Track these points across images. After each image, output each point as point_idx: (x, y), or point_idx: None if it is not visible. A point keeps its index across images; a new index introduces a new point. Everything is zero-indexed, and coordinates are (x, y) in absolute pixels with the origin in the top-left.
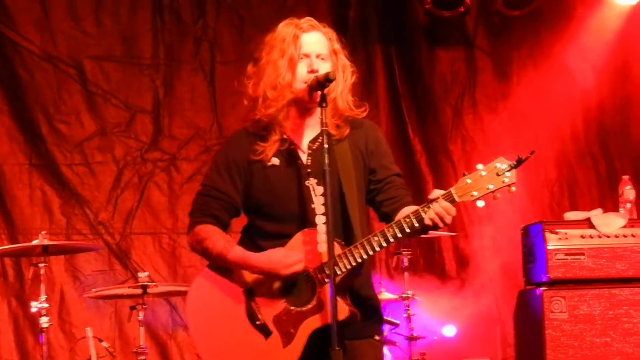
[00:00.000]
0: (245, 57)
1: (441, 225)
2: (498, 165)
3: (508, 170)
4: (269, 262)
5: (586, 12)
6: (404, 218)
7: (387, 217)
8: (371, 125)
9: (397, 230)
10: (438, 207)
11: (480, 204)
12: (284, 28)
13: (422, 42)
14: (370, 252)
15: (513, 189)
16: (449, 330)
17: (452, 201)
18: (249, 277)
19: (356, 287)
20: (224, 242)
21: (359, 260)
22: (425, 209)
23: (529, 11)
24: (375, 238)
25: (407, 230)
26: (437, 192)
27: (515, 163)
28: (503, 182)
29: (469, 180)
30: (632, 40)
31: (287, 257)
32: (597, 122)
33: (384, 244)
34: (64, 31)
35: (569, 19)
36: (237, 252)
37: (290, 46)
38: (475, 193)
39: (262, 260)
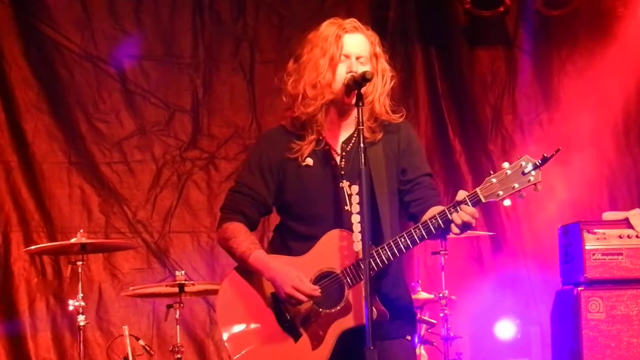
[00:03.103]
0: (285, 57)
1: (467, 230)
2: (523, 163)
3: (533, 169)
4: (284, 275)
5: (626, 11)
6: (430, 219)
7: (414, 218)
8: (405, 125)
9: (423, 231)
10: (465, 215)
11: (507, 203)
12: (328, 27)
13: (462, 42)
14: (397, 254)
15: (539, 187)
16: (505, 330)
17: (478, 201)
18: None
19: (386, 287)
20: (248, 243)
21: (386, 261)
22: (452, 210)
23: (569, 11)
24: (402, 239)
25: (433, 231)
26: (463, 193)
27: (540, 162)
28: (528, 181)
29: (494, 180)
30: None
31: (302, 283)
32: (637, 122)
33: (411, 245)
34: (104, 31)
35: (609, 18)
36: (258, 256)
37: (332, 46)
38: (501, 192)
39: (280, 271)
